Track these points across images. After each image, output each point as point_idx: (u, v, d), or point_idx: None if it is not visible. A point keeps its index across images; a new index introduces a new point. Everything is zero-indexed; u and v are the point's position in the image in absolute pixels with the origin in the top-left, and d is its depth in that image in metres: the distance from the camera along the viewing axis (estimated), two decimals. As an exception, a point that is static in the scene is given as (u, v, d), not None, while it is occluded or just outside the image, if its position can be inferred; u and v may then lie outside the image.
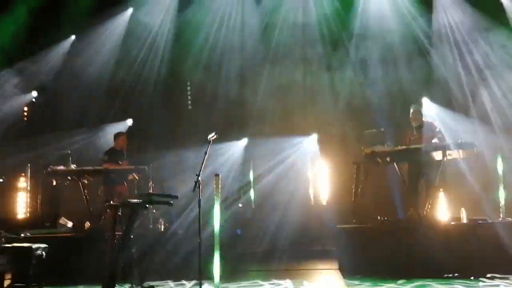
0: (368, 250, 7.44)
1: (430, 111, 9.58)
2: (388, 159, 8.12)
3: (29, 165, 10.60)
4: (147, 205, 6.53)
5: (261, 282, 7.13)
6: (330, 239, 8.41)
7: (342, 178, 10.02)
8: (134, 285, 6.19)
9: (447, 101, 10.01)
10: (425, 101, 9.80)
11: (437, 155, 7.90)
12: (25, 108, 11.74)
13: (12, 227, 5.81)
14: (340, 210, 9.10)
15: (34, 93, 11.63)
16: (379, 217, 7.93)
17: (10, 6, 10.94)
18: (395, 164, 8.18)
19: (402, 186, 8.35)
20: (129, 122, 11.49)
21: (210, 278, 6.14)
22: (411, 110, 8.43)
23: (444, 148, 7.81)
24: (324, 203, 10.78)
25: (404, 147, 8.09)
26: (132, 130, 11.16)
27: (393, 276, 6.95)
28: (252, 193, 11.44)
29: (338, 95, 10.81)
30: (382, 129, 8.48)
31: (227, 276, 6.71)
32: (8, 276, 6.85)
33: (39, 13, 11.06)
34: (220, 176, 6.13)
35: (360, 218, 8.12)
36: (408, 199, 8.28)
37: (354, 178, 8.35)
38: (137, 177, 9.13)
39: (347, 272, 7.38)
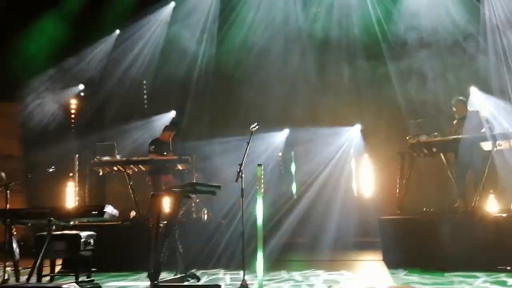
0: (414, 241, 7.28)
1: (478, 100, 9.25)
2: (434, 149, 7.92)
3: (76, 156, 10.93)
4: (191, 195, 6.60)
5: (303, 272, 7.11)
6: (374, 230, 8.29)
7: (386, 168, 9.85)
8: (178, 273, 6.29)
9: (496, 90, 9.65)
10: (473, 90, 9.49)
11: (486, 146, 7.64)
12: (73, 101, 12.11)
13: (62, 215, 5.99)
14: (385, 201, 8.96)
15: (81, 87, 11.94)
16: (424, 209, 7.77)
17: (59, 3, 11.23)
18: (441, 154, 7.96)
19: (449, 177, 8.12)
20: (172, 113, 11.64)
21: (252, 268, 6.14)
22: (452, 103, 8.22)
23: (493, 138, 7.53)
24: (368, 194, 10.64)
25: (451, 137, 7.87)
26: (175, 122, 11.30)
27: (440, 268, 6.78)
28: (294, 184, 11.43)
29: (383, 86, 10.59)
30: (428, 119, 8.28)
31: (268, 265, 6.72)
32: (59, 262, 7.09)
33: (85, 9, 11.32)
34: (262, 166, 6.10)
35: (405, 210, 7.97)
36: (455, 190, 8.05)
37: (399, 169, 8.19)
38: (181, 168, 9.24)
39: (392, 263, 7.29)
